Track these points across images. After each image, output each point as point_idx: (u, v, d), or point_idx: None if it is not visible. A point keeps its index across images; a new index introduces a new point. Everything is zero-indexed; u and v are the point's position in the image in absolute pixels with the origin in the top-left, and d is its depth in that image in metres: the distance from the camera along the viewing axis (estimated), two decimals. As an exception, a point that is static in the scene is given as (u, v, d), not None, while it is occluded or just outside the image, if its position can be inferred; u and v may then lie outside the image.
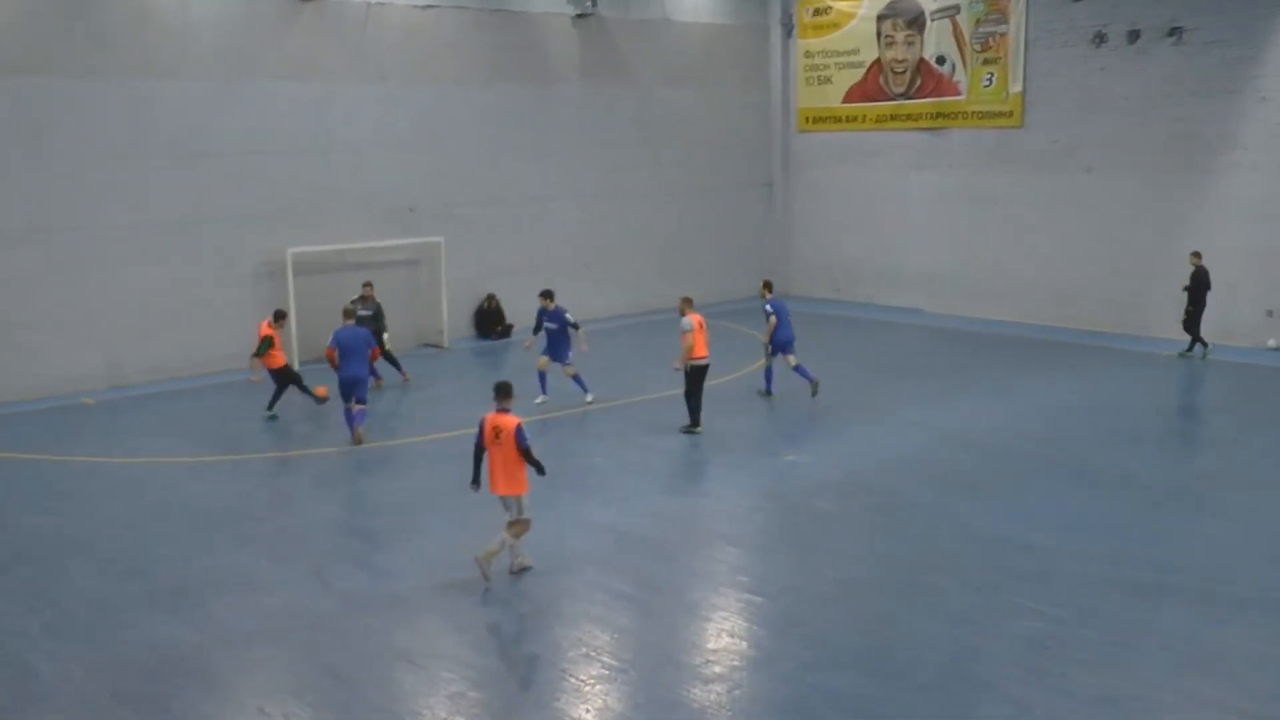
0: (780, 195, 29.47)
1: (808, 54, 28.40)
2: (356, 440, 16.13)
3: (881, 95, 27.05)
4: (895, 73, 26.66)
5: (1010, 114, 24.68)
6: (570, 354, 18.00)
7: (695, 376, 16.18)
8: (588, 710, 8.76)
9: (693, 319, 16.10)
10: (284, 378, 17.83)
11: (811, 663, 9.45)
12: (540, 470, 11.11)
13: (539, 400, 17.97)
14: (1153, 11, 22.34)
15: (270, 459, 15.82)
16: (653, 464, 15.21)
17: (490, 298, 24.13)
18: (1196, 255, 20.89)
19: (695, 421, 16.29)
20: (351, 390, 16.04)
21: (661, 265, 26.70)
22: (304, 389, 17.88)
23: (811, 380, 18.22)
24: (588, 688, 9.09)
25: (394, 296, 22.02)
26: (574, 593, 11.03)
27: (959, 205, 26.01)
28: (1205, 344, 21.00)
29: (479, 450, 11.15)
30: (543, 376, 18.08)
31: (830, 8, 27.70)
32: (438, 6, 22.96)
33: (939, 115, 26.01)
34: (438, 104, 23.24)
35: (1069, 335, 23.32)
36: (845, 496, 13.72)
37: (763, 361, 18.65)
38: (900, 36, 26.45)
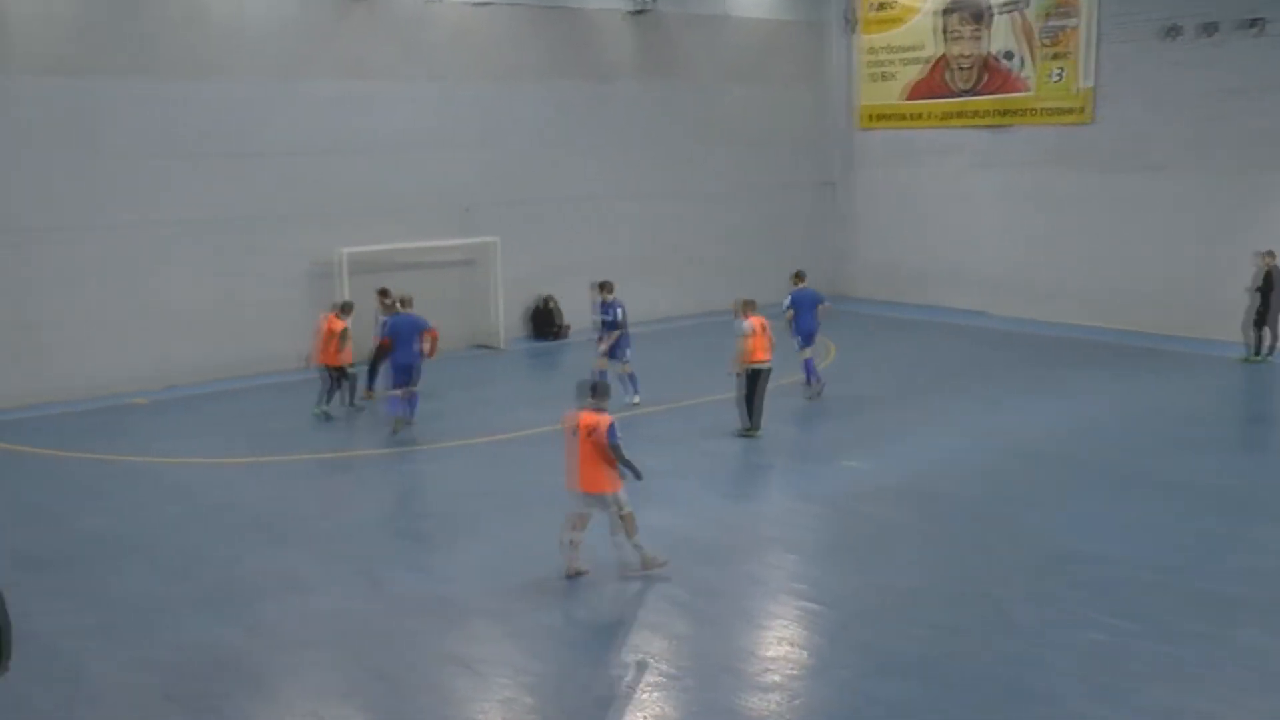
0: (841, 194, 29.11)
1: (869, 49, 28.01)
2: (399, 426, 16.41)
3: (945, 92, 26.60)
4: (959, 68, 26.20)
5: (1079, 110, 24.14)
6: (629, 351, 17.82)
7: (754, 380, 15.94)
8: (643, 718, 8.60)
9: (753, 322, 15.83)
10: (343, 375, 17.82)
11: (869, 672, 9.23)
12: (635, 474, 10.93)
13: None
14: (1230, 2, 21.67)
15: (322, 460, 15.83)
16: (709, 468, 15.01)
17: (547, 299, 24.04)
18: (1270, 255, 20.29)
19: (755, 425, 16.05)
20: (404, 376, 16.36)
21: (720, 265, 26.41)
22: (353, 388, 17.88)
23: (814, 381, 18.00)
24: (643, 695, 8.96)
25: (448, 297, 22.03)
26: (629, 598, 10.88)
27: (1024, 205, 25.49)
28: (1271, 345, 20.42)
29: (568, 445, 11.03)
30: (602, 376, 17.91)
31: (893, 2, 27.30)
32: (492, 3, 22.93)
33: (1004, 112, 25.52)
34: (493, 102, 23.20)
35: (1135, 339, 22.75)
36: (905, 503, 13.43)
37: (805, 353, 18.23)
38: (965, 31, 25.98)
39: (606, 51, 24.84)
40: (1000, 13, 25.22)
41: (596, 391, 11.07)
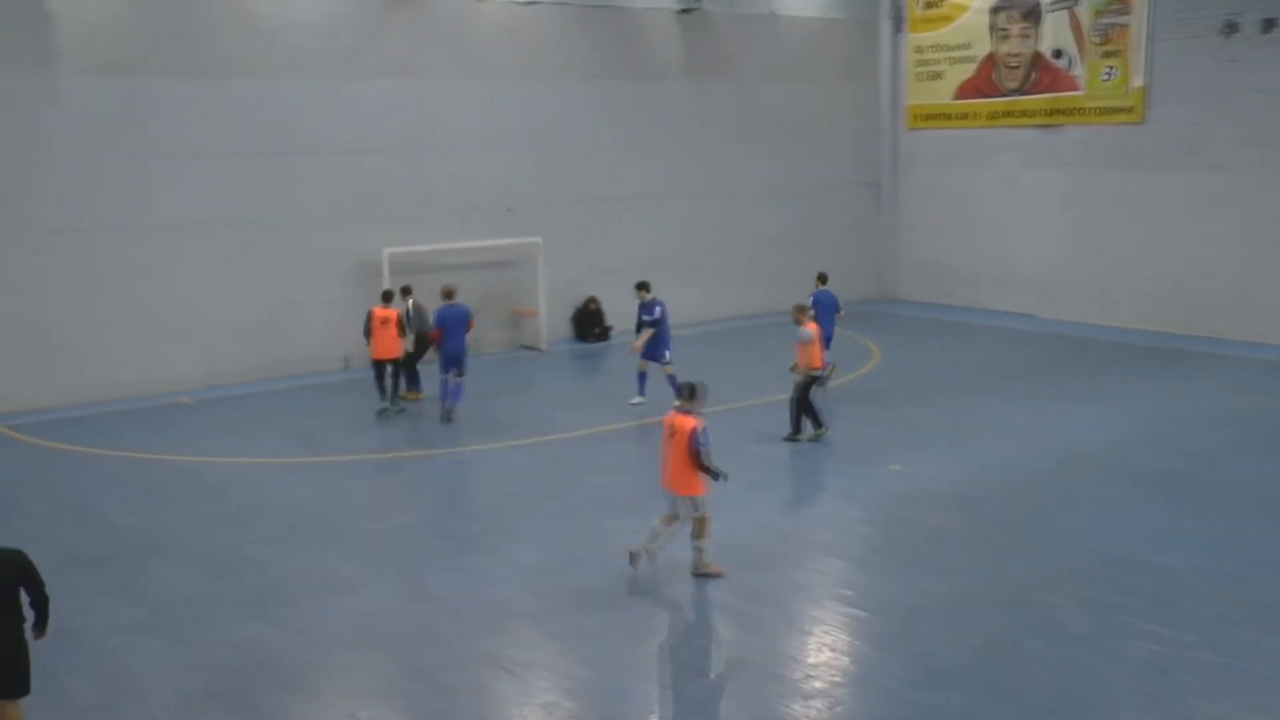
0: (889, 195, 28.84)
1: (918, 48, 27.73)
2: (447, 416, 17.09)
3: (994, 91, 26.28)
4: (1009, 67, 25.86)
5: (1131, 110, 23.74)
6: (668, 351, 17.74)
7: (809, 386, 15.79)
8: (682, 725, 8.51)
9: (811, 329, 15.70)
10: (399, 366, 17.84)
11: (916, 681, 9.06)
12: (715, 476, 10.90)
13: (635, 401, 17.80)
14: (1290, -2, 21.25)
15: (366, 460, 15.85)
16: (754, 472, 14.83)
17: (591, 299, 23.98)
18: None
19: (823, 424, 15.90)
20: (451, 363, 17.19)
21: (767, 267, 26.25)
22: (396, 388, 17.92)
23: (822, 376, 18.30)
24: (684, 700, 8.88)
25: (491, 297, 22.06)
26: (673, 603, 10.79)
27: (1074, 205, 25.11)
28: None
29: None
30: (643, 377, 17.88)
31: (943, 0, 27.00)
32: (539, 3, 22.92)
33: (1055, 111, 25.16)
34: (538, 102, 23.19)
35: (1191, 342, 22.34)
36: (953, 508, 13.23)
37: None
38: (1015, 29, 25.65)
39: (653, 51, 24.76)
40: (1051, 10, 24.86)
41: (686, 393, 11.13)
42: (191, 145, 19.56)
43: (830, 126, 27.68)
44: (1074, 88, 24.70)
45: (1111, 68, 23.93)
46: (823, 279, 19.25)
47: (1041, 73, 25.25)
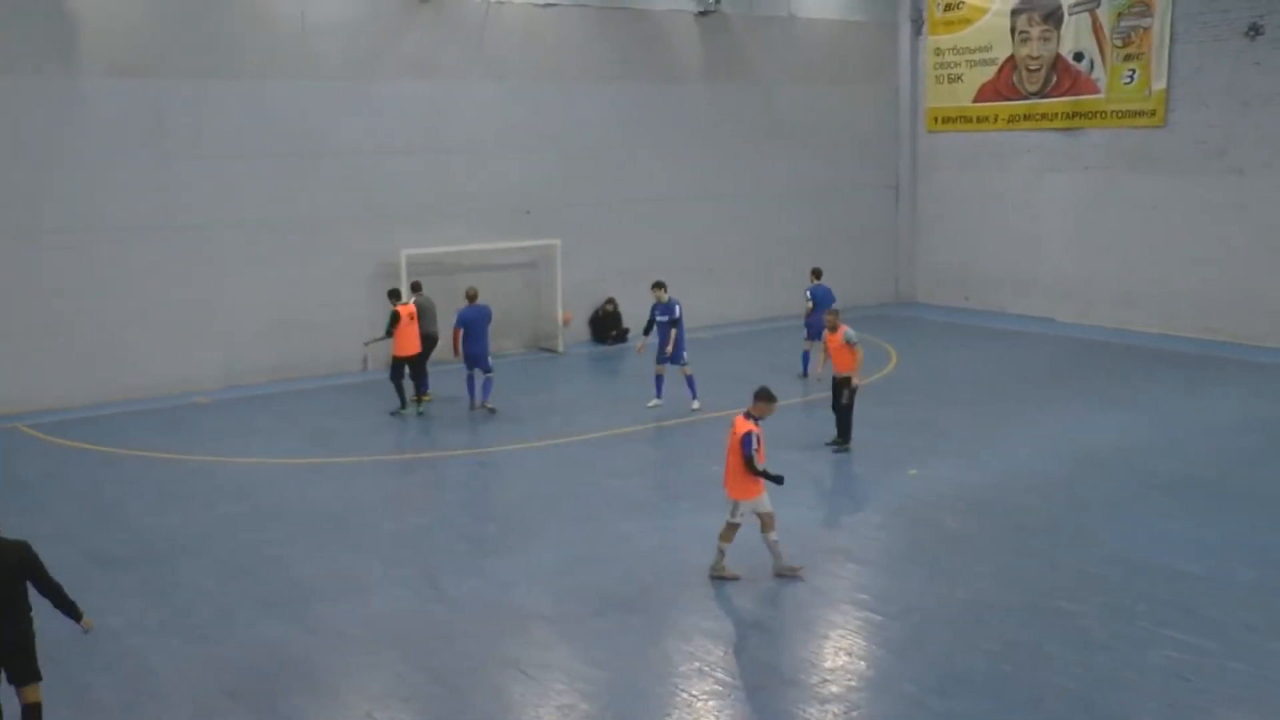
0: (907, 198, 28.76)
1: (937, 51, 27.66)
2: (479, 408, 17.80)
3: (1014, 94, 26.18)
4: (1029, 70, 25.77)
5: (1152, 113, 23.61)
6: (684, 352, 17.71)
7: (854, 391, 15.58)
8: (699, 729, 8.50)
9: (851, 331, 15.50)
10: (412, 365, 17.90)
11: (934, 687, 9.03)
12: (769, 478, 10.94)
13: (652, 404, 17.79)
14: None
15: (384, 461, 15.90)
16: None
17: (609, 301, 23.99)
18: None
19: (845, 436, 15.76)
20: (475, 361, 17.75)
21: (784, 269, 26.19)
22: (417, 388, 17.95)
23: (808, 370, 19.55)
24: (700, 703, 8.85)
25: (509, 299, 22.07)
26: (689, 605, 10.77)
27: (1095, 209, 25.00)
28: None
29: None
30: (660, 380, 17.86)
31: (962, 3, 26.92)
32: (558, 5, 22.94)
33: (1075, 115, 25.05)
34: (557, 104, 23.21)
35: (1213, 348, 22.20)
36: (972, 514, 13.18)
37: (806, 345, 19.88)
38: (1035, 32, 25.55)
39: (672, 53, 24.76)
40: (1073, 13, 24.75)
41: (755, 396, 11.19)
42: (211, 146, 19.65)
43: (849, 129, 27.62)
44: (1094, 91, 24.58)
45: (1133, 70, 23.81)
46: (817, 274, 20.42)
47: (1062, 75, 25.15)
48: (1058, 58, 25.16)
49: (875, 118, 28.16)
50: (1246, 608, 10.34)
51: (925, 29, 27.84)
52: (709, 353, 20.91)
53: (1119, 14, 23.91)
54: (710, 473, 14.83)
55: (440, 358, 19.45)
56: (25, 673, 7.77)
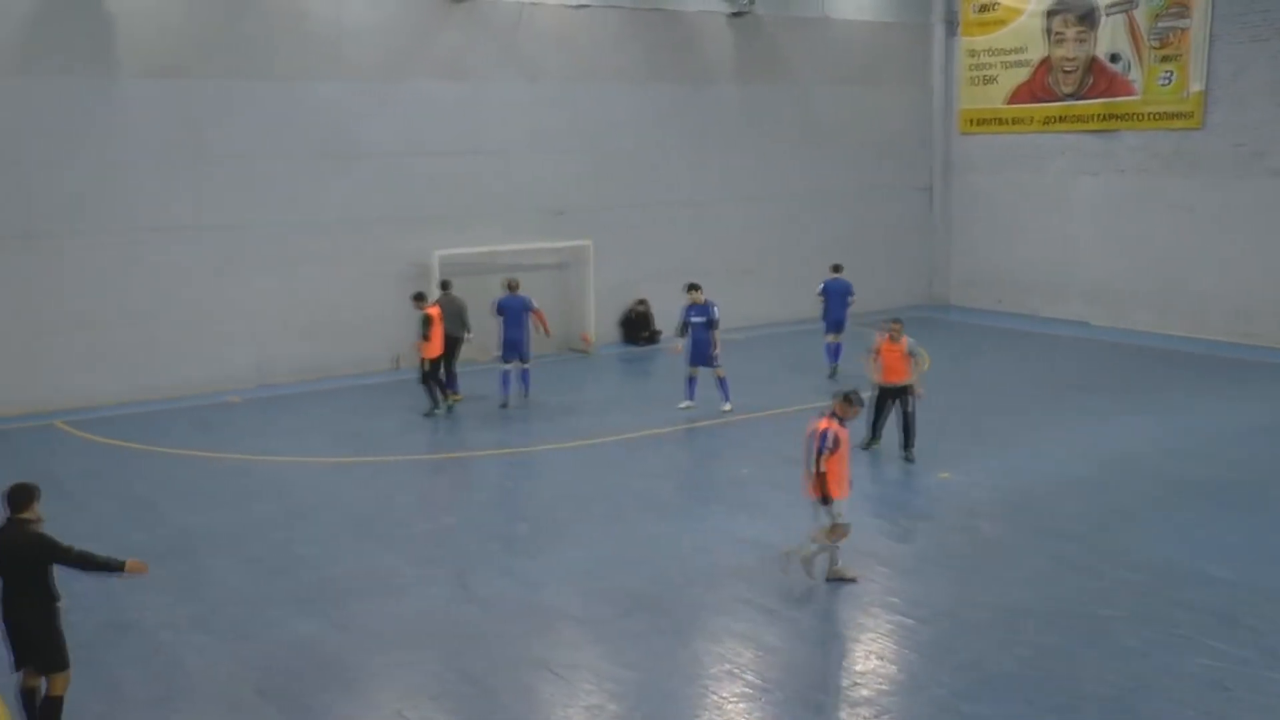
0: (940, 200, 28.60)
1: (971, 52, 27.49)
2: (509, 401, 18.19)
3: (1049, 95, 25.99)
4: (1064, 71, 25.56)
5: (1189, 115, 23.38)
6: (718, 354, 17.63)
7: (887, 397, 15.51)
8: (728, 731, 8.47)
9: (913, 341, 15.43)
10: (435, 365, 17.96)
11: (965, 692, 8.96)
12: (821, 485, 10.82)
13: (683, 405, 17.75)
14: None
15: (417, 461, 15.95)
16: (801, 478, 14.76)
17: (640, 301, 23.97)
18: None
19: (877, 436, 15.63)
20: (513, 351, 18.23)
21: (818, 271, 25.95)
22: (441, 386, 17.98)
23: (833, 365, 19.95)
24: (729, 705, 8.83)
25: (540, 300, 22.00)
26: (719, 607, 10.74)
27: (1130, 212, 24.77)
28: None
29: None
30: (692, 381, 17.83)
31: (996, 4, 26.74)
32: (590, 6, 22.95)
33: (1110, 116, 24.83)
34: (589, 105, 23.22)
35: (1250, 352, 21.93)
36: (1004, 518, 13.08)
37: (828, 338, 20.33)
38: (1070, 33, 25.34)
39: (705, 54, 24.72)
40: (1110, 13, 24.53)
41: (837, 398, 11.13)
42: (244, 147, 19.76)
43: (881, 130, 27.50)
44: (1130, 92, 24.37)
45: (1169, 72, 23.58)
46: (836, 268, 20.78)
47: (1097, 77, 24.94)
48: (1093, 59, 24.95)
49: (908, 119, 28.02)
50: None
51: (959, 30, 27.68)
52: (741, 354, 20.86)
53: (1155, 15, 23.68)
54: (741, 474, 14.85)
55: (469, 357, 19.49)
56: (45, 663, 7.98)
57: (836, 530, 11.01)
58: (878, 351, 15.31)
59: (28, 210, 18.22)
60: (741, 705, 8.83)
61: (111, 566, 8.12)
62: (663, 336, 23.41)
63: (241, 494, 14.33)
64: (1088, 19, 24.96)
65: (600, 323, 23.39)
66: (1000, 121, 27.15)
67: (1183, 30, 23.26)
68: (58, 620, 8.04)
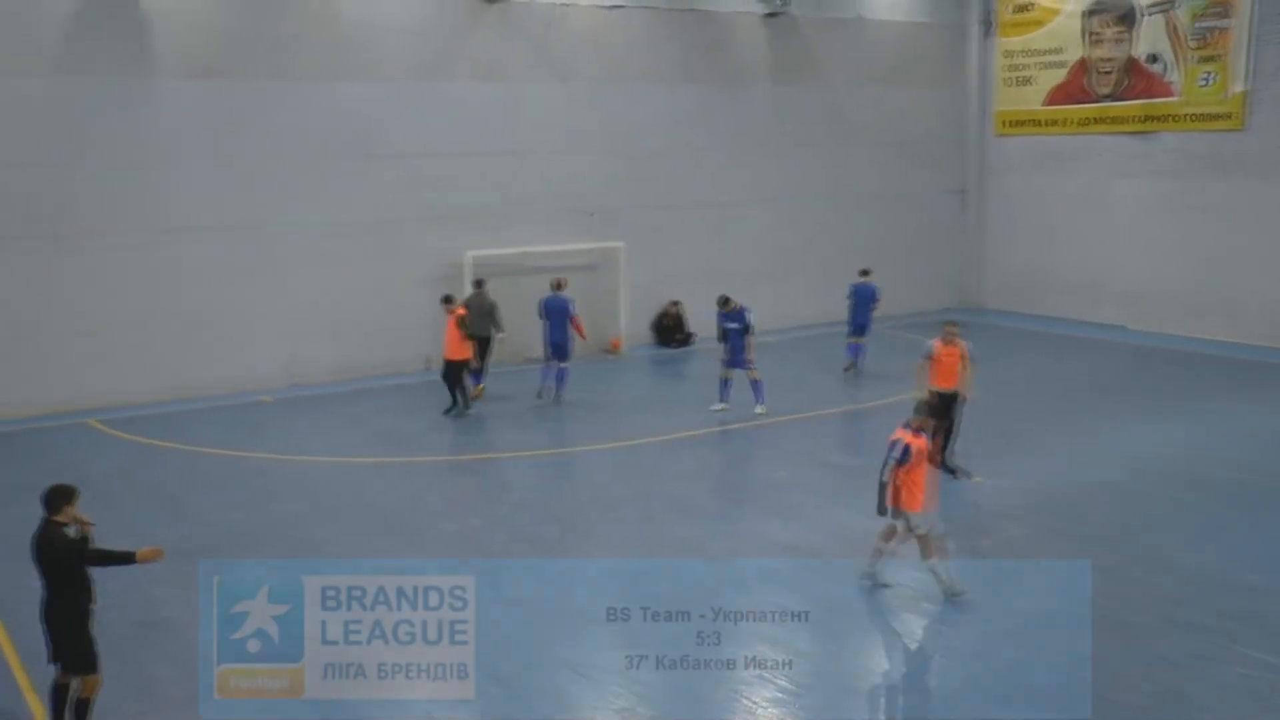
0: (975, 202, 28.40)
1: (1007, 53, 27.28)
2: (546, 396, 18.52)
3: (1086, 97, 25.75)
4: (1101, 72, 25.32)
5: (1229, 116, 23.09)
6: (751, 357, 17.57)
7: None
8: (758, 736, 8.42)
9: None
10: (460, 369, 17.98)
11: (997, 697, 8.88)
12: (880, 493, 10.70)
13: (717, 407, 17.69)
14: None
15: (445, 461, 15.99)
16: (835, 482, 14.71)
17: (673, 303, 23.91)
18: None
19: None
20: (557, 352, 18.58)
21: (851, 273, 25.89)
22: (462, 388, 18.00)
23: (850, 360, 20.62)
24: (760, 710, 8.81)
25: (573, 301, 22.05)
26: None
27: (1168, 215, 24.49)
28: None
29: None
30: (726, 384, 17.77)
31: (1033, 4, 26.53)
32: (624, 7, 22.94)
33: (1148, 118, 24.57)
34: (623, 106, 23.20)
35: (1288, 356, 21.69)
36: (1038, 524, 12.96)
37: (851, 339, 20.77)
38: (1108, 34, 25.10)
39: (739, 55, 24.65)
40: (1149, 14, 24.27)
41: (915, 409, 10.98)
42: (278, 147, 19.86)
43: (916, 132, 27.33)
44: (1169, 93, 24.11)
45: (1209, 73, 23.29)
46: (864, 272, 21.06)
47: (1135, 78, 24.68)
48: (1131, 60, 24.70)
49: (943, 121, 27.84)
50: (1324, 625, 10.07)
51: (995, 31, 27.47)
52: (773, 356, 20.75)
53: (1195, 15, 23.40)
54: (774, 477, 14.79)
55: (501, 357, 19.53)
56: (72, 664, 8.07)
57: (924, 543, 10.71)
58: (935, 360, 14.75)
59: (62, 210, 18.36)
60: (772, 710, 8.80)
61: (126, 559, 8.16)
62: (696, 339, 23.35)
63: (272, 493, 14.39)
64: (1126, 19, 24.70)
65: (632, 324, 23.37)
66: (1036, 123, 26.93)
67: (1224, 30, 22.98)
68: (88, 624, 8.10)
